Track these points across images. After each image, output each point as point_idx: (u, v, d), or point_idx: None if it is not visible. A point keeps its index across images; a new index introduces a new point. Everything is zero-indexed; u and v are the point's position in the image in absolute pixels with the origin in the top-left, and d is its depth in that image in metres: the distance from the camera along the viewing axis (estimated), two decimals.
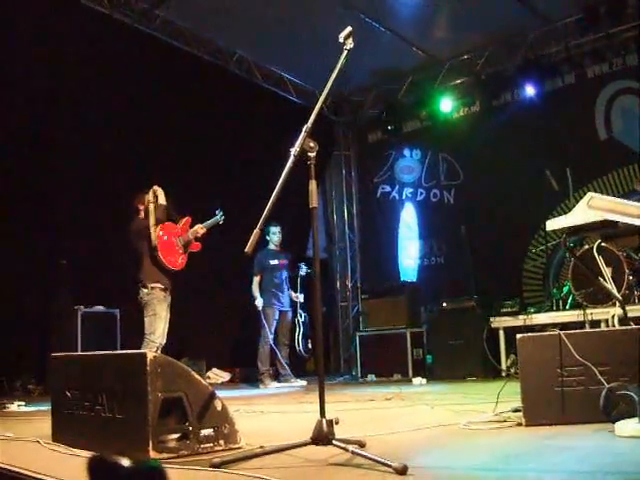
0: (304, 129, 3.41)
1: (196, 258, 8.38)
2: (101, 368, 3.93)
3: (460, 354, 9.66)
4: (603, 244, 5.28)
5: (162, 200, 7.84)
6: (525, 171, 10.88)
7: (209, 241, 8.38)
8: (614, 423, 3.57)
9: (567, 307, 9.14)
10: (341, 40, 3.59)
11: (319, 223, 9.55)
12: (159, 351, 7.24)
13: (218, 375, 11.02)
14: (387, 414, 5.70)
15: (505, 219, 11.27)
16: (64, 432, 4.03)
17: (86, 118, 9.49)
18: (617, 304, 7.38)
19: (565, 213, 4.50)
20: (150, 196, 7.85)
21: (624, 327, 4.68)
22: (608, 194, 9.50)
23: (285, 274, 10.49)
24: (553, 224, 4.61)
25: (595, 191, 9.60)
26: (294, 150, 3.37)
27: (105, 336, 9.37)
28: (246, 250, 3.45)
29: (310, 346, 10.60)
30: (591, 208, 4.30)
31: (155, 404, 3.41)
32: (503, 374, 9.19)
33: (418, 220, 13.27)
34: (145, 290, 7.78)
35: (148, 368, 3.42)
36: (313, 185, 3.42)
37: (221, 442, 3.64)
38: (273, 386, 9.91)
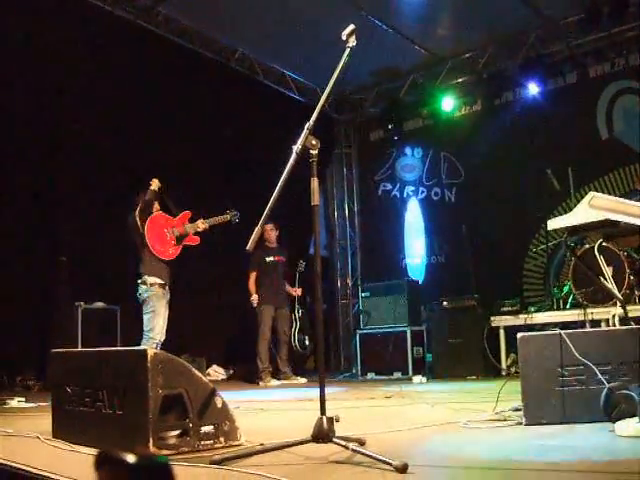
0: (306, 127, 3.41)
1: (196, 255, 8.39)
2: (102, 364, 3.92)
3: (460, 353, 9.67)
4: (604, 244, 5.27)
5: (154, 187, 7.89)
6: (526, 170, 10.88)
7: (210, 238, 8.39)
8: (614, 423, 3.57)
9: (567, 306, 9.14)
10: (344, 38, 3.58)
11: (320, 221, 9.55)
12: (158, 348, 7.24)
13: (218, 372, 11.03)
14: (387, 412, 5.70)
15: (506, 218, 11.27)
16: (64, 428, 4.03)
17: (87, 115, 9.48)
18: (618, 304, 7.37)
19: (566, 212, 4.51)
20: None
21: (625, 327, 4.68)
22: (609, 194, 9.50)
23: (282, 270, 10.49)
24: (554, 223, 4.62)
25: (596, 190, 9.59)
26: (296, 148, 3.37)
27: (105, 332, 9.38)
28: (247, 248, 3.45)
29: (307, 342, 10.58)
30: (592, 207, 4.31)
31: (155, 401, 3.41)
32: (503, 373, 9.20)
33: (420, 218, 13.26)
34: (144, 287, 7.81)
35: (149, 365, 3.42)
36: (315, 183, 3.42)
37: (221, 439, 3.64)
38: (273, 384, 9.91)
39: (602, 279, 5.07)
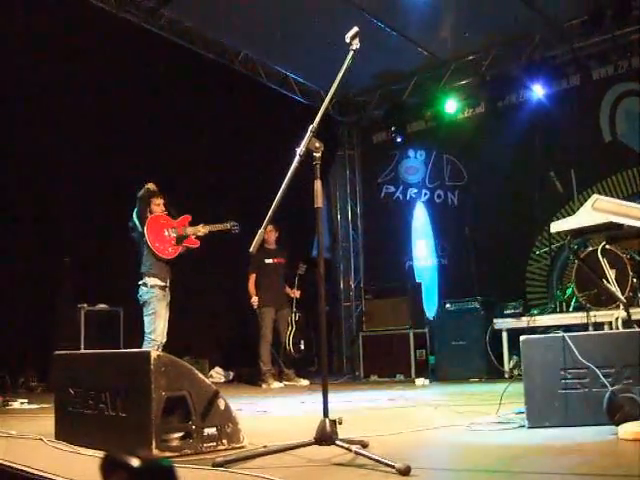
0: (310, 129, 3.41)
1: (198, 258, 8.40)
2: (105, 366, 3.93)
3: (463, 355, 9.65)
4: (607, 246, 5.27)
5: (148, 186, 7.95)
6: (529, 172, 10.86)
7: (211, 240, 8.40)
8: (617, 426, 3.57)
9: (570, 309, 9.12)
10: (347, 40, 3.58)
11: (323, 223, 9.55)
12: (160, 350, 7.24)
13: (220, 374, 11.02)
14: (390, 414, 5.70)
15: (509, 220, 11.26)
16: (67, 430, 4.03)
17: (90, 116, 9.49)
18: (621, 306, 7.37)
19: (569, 215, 4.52)
20: (156, 206, 8.04)
21: (628, 330, 4.68)
22: (612, 196, 9.48)
23: (281, 272, 10.48)
24: (558, 226, 4.62)
25: (599, 193, 9.60)
26: (300, 150, 3.37)
27: (108, 334, 9.38)
28: (250, 250, 3.46)
29: (302, 347, 10.53)
30: (596, 210, 4.31)
31: (159, 403, 3.41)
32: (506, 375, 9.18)
33: (423, 220, 13.26)
34: (144, 289, 7.83)
35: (152, 367, 3.42)
36: (318, 185, 3.42)
37: (224, 441, 3.64)
38: (275, 386, 9.90)
39: (605, 282, 5.06)
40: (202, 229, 8.19)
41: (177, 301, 8.14)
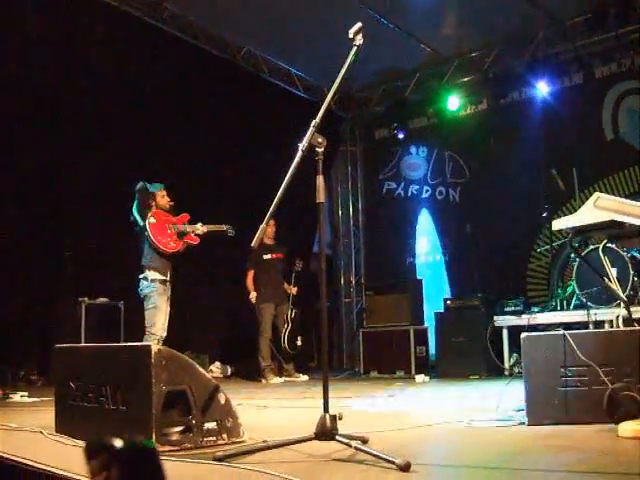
0: (312, 124, 3.40)
1: (198, 253, 8.40)
2: (106, 360, 3.94)
3: (463, 352, 9.65)
4: (609, 244, 5.27)
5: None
6: (531, 170, 10.86)
7: (212, 236, 8.41)
8: (617, 424, 3.57)
9: (571, 307, 9.12)
10: (351, 36, 3.58)
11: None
12: (160, 344, 7.25)
13: (220, 369, 11.03)
14: (390, 411, 5.70)
15: (510, 218, 11.24)
16: (67, 423, 4.04)
17: (93, 110, 9.49)
18: (622, 305, 7.36)
19: (571, 213, 4.52)
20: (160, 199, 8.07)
21: (628, 328, 4.68)
22: (614, 194, 9.48)
23: (280, 267, 10.48)
24: (559, 224, 4.62)
25: (601, 191, 9.59)
26: (302, 145, 3.36)
27: (109, 328, 9.38)
28: (252, 245, 3.46)
29: (299, 343, 10.52)
30: (598, 208, 4.31)
31: (159, 397, 3.42)
32: (506, 373, 9.19)
33: (423, 217, 13.26)
34: (145, 282, 7.83)
35: (153, 361, 3.43)
36: (320, 180, 3.42)
37: (224, 436, 3.65)
38: (275, 381, 9.92)
39: (606, 280, 5.06)
40: (201, 228, 8.19)
41: (177, 296, 8.14)
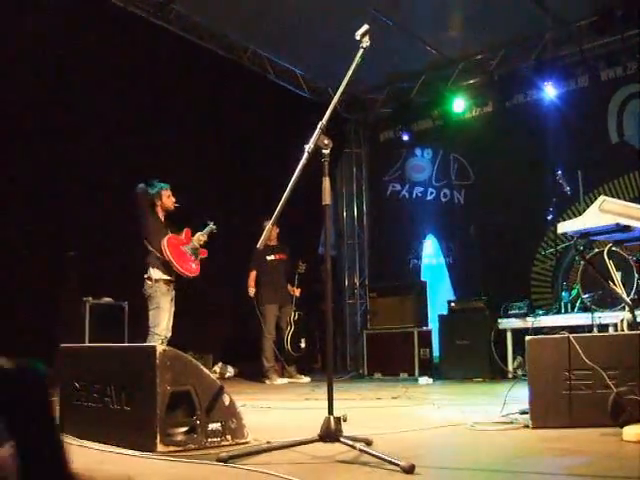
0: (319, 126, 3.40)
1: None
2: (110, 360, 3.94)
3: (467, 355, 9.65)
4: (613, 248, 5.26)
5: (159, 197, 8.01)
6: (536, 173, 10.84)
7: (215, 237, 8.43)
8: (622, 428, 3.57)
9: (575, 310, 9.11)
10: (357, 38, 3.58)
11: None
12: (164, 344, 7.25)
13: (224, 370, 11.02)
14: (394, 413, 5.71)
15: (515, 220, 11.22)
16: (72, 423, 4.04)
17: (97, 110, 9.49)
18: (626, 308, 7.35)
19: (575, 216, 4.52)
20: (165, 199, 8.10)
21: (633, 332, 4.68)
22: (618, 198, 9.47)
23: (283, 268, 10.48)
24: (564, 227, 4.61)
25: (606, 194, 9.57)
26: (308, 147, 3.36)
27: (113, 328, 9.38)
28: (258, 246, 3.47)
29: (303, 345, 10.52)
30: (603, 212, 4.30)
31: (163, 397, 3.42)
32: (509, 376, 9.18)
33: (428, 219, 13.24)
34: (149, 282, 7.83)
35: (157, 361, 3.43)
36: (327, 182, 3.42)
37: (228, 437, 3.65)
38: (279, 382, 9.92)
39: (611, 283, 5.06)
40: (202, 237, 8.21)
41: (181, 296, 8.15)
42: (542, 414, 4.05)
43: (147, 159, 9.62)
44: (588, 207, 4.57)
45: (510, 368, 9.33)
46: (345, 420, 3.27)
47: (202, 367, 3.68)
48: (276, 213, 3.39)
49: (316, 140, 3.36)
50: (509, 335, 9.46)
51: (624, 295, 5.47)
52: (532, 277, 11.34)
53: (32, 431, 1.46)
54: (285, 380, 10.13)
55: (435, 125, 13.15)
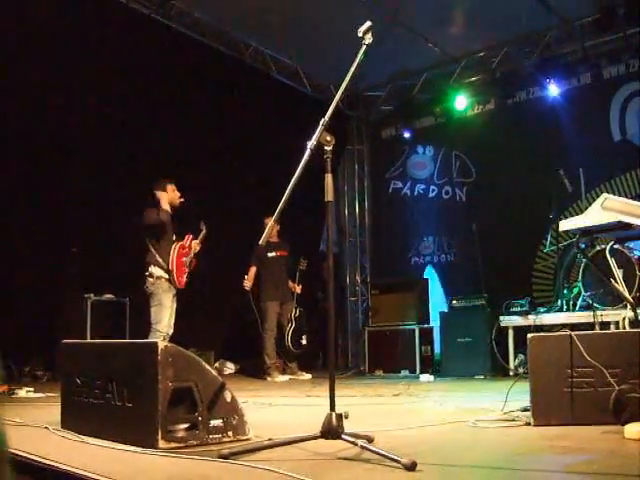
0: (321, 122, 3.39)
1: (202, 251, 8.41)
2: (112, 356, 3.94)
3: (468, 352, 9.66)
4: (616, 246, 5.26)
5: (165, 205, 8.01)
6: (538, 170, 10.84)
7: (217, 232, 8.43)
8: (623, 425, 3.56)
9: (577, 308, 9.11)
10: (360, 35, 3.57)
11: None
12: (166, 341, 7.26)
13: (226, 366, 11.03)
14: (396, 410, 5.70)
15: (517, 218, 11.23)
16: (73, 419, 4.05)
17: (100, 107, 9.49)
18: (628, 306, 7.36)
19: (577, 214, 4.52)
20: (171, 194, 8.13)
21: (635, 329, 4.67)
22: (620, 196, 9.45)
23: (284, 265, 10.47)
24: (567, 224, 4.61)
25: (608, 192, 9.57)
26: (311, 143, 3.35)
27: (114, 324, 9.40)
28: (260, 242, 3.47)
29: (304, 342, 10.51)
30: (605, 209, 4.30)
31: (165, 393, 3.42)
32: (511, 373, 9.19)
33: (429, 216, 13.24)
34: (150, 279, 7.87)
35: (159, 357, 3.43)
36: (329, 179, 3.41)
37: (230, 433, 3.65)
38: (281, 379, 9.93)
39: (613, 281, 5.05)
40: (197, 246, 8.27)
41: (183, 293, 8.16)
42: (544, 412, 4.04)
43: (147, 156, 9.63)
44: (590, 205, 4.56)
45: (511, 366, 9.33)
46: (347, 417, 3.26)
47: (204, 363, 3.68)
48: (278, 210, 3.38)
49: (318, 137, 3.35)
50: (511, 333, 9.47)
51: (626, 293, 5.45)
52: (534, 275, 11.34)
53: None
54: (286, 377, 10.14)
55: (437, 122, 13.15)
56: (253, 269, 10.20)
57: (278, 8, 10.10)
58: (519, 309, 9.57)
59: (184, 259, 8.07)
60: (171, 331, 7.87)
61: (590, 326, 8.32)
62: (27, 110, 8.82)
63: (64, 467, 2.88)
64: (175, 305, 8.05)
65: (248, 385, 8.82)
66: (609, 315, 8.28)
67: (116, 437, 3.55)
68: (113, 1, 9.60)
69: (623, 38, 10.50)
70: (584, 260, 8.57)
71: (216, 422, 3.60)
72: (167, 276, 7.92)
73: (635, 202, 4.48)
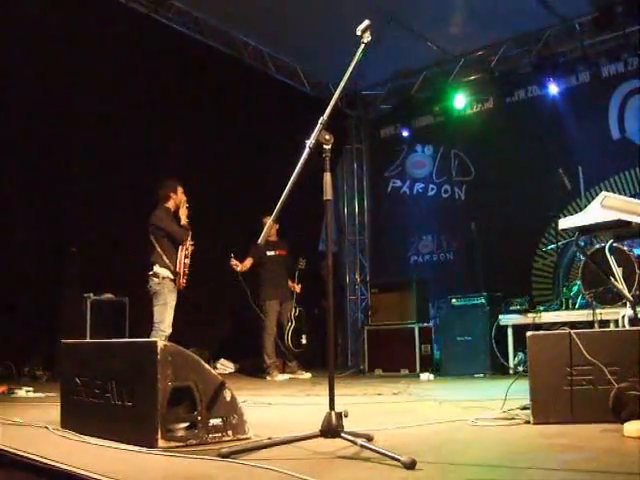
0: (320, 121, 3.39)
1: (203, 249, 8.41)
2: (112, 355, 3.94)
3: (468, 351, 9.65)
4: (615, 244, 5.26)
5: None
6: (537, 169, 10.85)
7: (215, 232, 8.43)
8: (623, 423, 3.57)
9: (576, 306, 9.11)
10: (358, 33, 3.57)
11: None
12: (166, 340, 7.28)
13: (225, 366, 11.02)
14: (395, 409, 5.70)
15: (516, 217, 11.24)
16: (73, 418, 4.05)
17: (99, 106, 9.49)
18: (628, 304, 7.35)
19: (576, 212, 4.51)
20: (179, 196, 8.16)
21: (634, 327, 4.67)
22: (619, 194, 9.46)
23: (283, 264, 10.46)
24: (566, 223, 4.61)
25: (607, 190, 9.57)
26: (309, 142, 3.35)
27: (114, 324, 9.40)
28: (259, 242, 3.47)
29: (304, 341, 10.50)
30: (604, 207, 4.31)
31: (165, 393, 3.42)
32: (510, 372, 9.18)
33: (428, 215, 13.24)
34: (156, 279, 7.88)
35: (159, 357, 3.43)
36: (328, 177, 3.41)
37: (229, 432, 3.65)
38: (280, 378, 9.93)
39: (612, 279, 5.05)
40: (191, 246, 8.30)
41: (182, 292, 8.16)
42: (543, 410, 4.04)
43: (146, 155, 9.63)
44: (589, 203, 4.57)
45: (511, 364, 9.32)
46: (346, 416, 3.26)
47: (203, 363, 3.67)
48: (277, 209, 3.38)
49: (317, 135, 3.35)
50: (510, 331, 9.45)
51: (625, 291, 5.46)
52: (533, 273, 11.35)
53: None
54: (286, 376, 10.14)
55: (436, 121, 13.16)
56: (250, 259, 10.11)
57: (277, 7, 10.10)
58: (518, 307, 9.55)
59: (186, 261, 8.09)
60: (170, 330, 7.89)
61: (589, 324, 8.33)
62: (26, 110, 8.82)
63: (64, 467, 2.88)
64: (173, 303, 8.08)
65: (248, 384, 8.81)
66: (608, 313, 8.27)
67: (116, 436, 3.55)
68: (112, 0, 9.59)
69: (622, 36, 10.50)
70: (583, 258, 8.57)
71: (215, 421, 3.60)
72: (172, 277, 7.94)
73: (635, 200, 4.48)
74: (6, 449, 3.24)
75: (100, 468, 2.80)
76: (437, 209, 13.12)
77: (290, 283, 10.50)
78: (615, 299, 8.16)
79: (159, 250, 7.94)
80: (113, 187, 9.47)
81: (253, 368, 10.56)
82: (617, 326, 7.91)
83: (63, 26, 8.87)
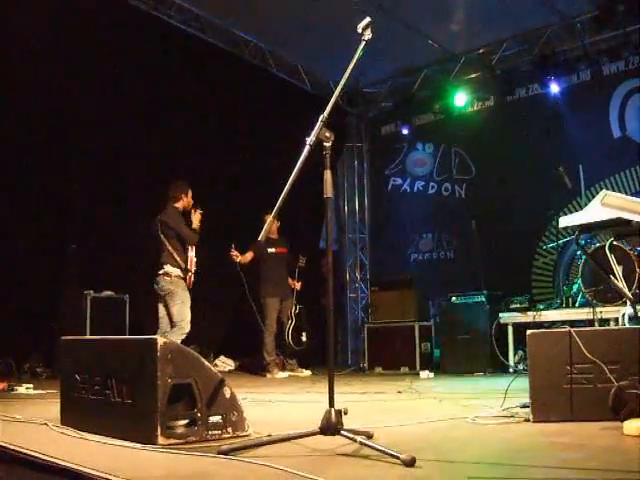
0: (320, 119, 3.39)
1: (202, 248, 8.42)
2: (112, 352, 3.94)
3: (468, 349, 9.66)
4: (615, 242, 5.26)
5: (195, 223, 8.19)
6: (538, 167, 10.84)
7: (216, 229, 8.43)
8: (623, 422, 3.57)
9: (577, 305, 9.10)
10: (359, 31, 3.56)
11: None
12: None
13: (225, 363, 11.03)
14: (394, 406, 5.70)
15: (516, 215, 11.24)
16: (73, 415, 4.05)
17: (99, 104, 9.48)
18: (628, 303, 7.35)
19: (577, 210, 4.51)
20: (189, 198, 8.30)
21: (634, 326, 4.67)
22: (620, 192, 9.46)
23: (284, 262, 10.45)
24: (566, 221, 4.61)
25: (607, 189, 9.56)
26: (310, 140, 3.35)
27: (114, 321, 9.40)
28: (259, 238, 3.46)
29: (304, 339, 10.51)
30: (605, 206, 4.30)
31: (164, 390, 3.42)
32: (510, 370, 9.18)
33: (429, 213, 13.24)
34: (167, 279, 7.94)
35: (159, 354, 3.43)
36: (328, 175, 3.40)
37: (229, 429, 3.65)
38: (280, 375, 9.93)
39: (612, 277, 5.05)
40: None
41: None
42: (543, 408, 4.04)
43: (147, 152, 9.63)
44: (590, 201, 4.57)
45: (511, 362, 9.33)
46: (346, 413, 3.26)
47: (203, 360, 3.67)
48: (277, 206, 3.38)
49: (317, 133, 3.34)
50: (510, 329, 9.45)
51: (625, 289, 5.46)
52: (533, 271, 11.35)
53: None
54: (286, 373, 10.14)
55: (436, 119, 13.16)
56: (250, 253, 10.09)
57: (278, 4, 10.09)
58: (518, 306, 9.56)
59: (195, 259, 8.15)
60: (189, 328, 7.98)
61: (589, 322, 8.33)
62: (27, 109, 8.82)
63: (64, 463, 2.87)
64: None
65: (248, 382, 8.81)
66: (609, 312, 8.28)
67: (115, 433, 3.55)
68: None
69: (623, 35, 10.50)
70: (583, 257, 8.58)
71: (215, 418, 3.60)
72: (183, 275, 8.00)
73: (635, 198, 4.48)
74: (6, 446, 3.24)
75: (100, 465, 2.80)
76: (437, 207, 13.12)
77: (290, 281, 10.50)
78: (615, 297, 8.17)
79: (170, 249, 7.98)
80: (113, 185, 9.47)
81: (253, 365, 10.57)
82: (617, 324, 7.91)
83: (63, 24, 8.86)
